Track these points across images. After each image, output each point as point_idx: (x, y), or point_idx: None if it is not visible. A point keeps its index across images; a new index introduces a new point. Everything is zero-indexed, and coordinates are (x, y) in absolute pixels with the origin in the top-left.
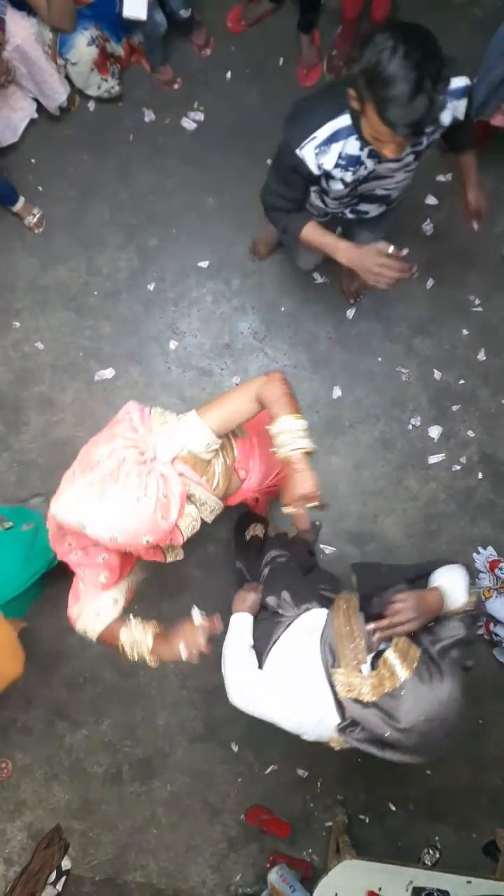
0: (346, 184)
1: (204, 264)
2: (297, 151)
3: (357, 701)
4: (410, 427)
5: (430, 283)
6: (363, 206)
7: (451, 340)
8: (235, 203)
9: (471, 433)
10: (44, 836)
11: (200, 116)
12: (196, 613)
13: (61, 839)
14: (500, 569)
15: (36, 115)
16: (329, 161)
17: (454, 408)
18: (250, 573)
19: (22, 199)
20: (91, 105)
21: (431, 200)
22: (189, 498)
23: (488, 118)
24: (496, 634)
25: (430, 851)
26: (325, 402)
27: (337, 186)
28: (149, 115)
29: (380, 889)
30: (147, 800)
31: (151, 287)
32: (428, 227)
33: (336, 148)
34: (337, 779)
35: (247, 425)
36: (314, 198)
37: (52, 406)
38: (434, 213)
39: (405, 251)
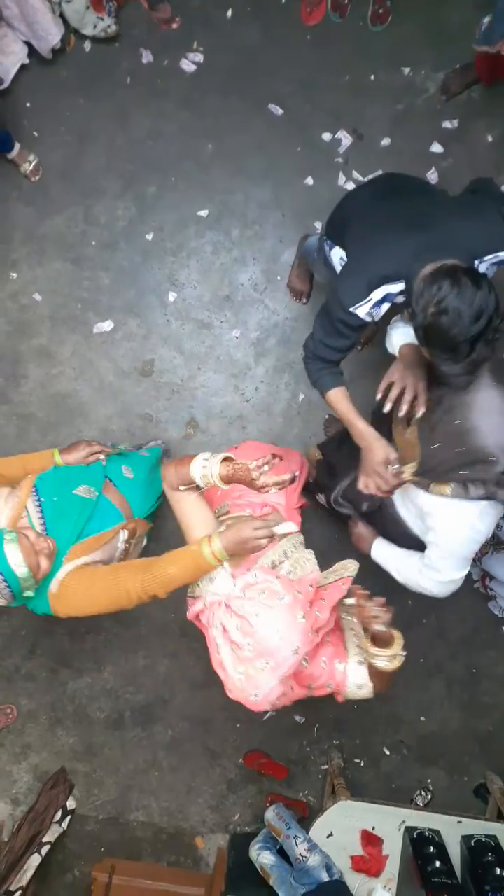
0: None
1: (203, 213)
2: (351, 309)
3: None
4: None
5: None
6: None
7: None
8: (235, 149)
9: None
10: (49, 777)
11: (200, 58)
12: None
13: (66, 780)
14: (499, 527)
15: (27, 61)
16: (380, 313)
17: None
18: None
19: (17, 146)
20: (87, 45)
21: (437, 148)
22: (274, 566)
23: (495, 47)
24: (491, 589)
25: (423, 793)
26: None
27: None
28: (146, 57)
29: (373, 828)
30: (148, 744)
31: (150, 237)
32: (433, 175)
33: (386, 306)
34: (333, 724)
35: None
36: None
37: (51, 359)
38: (439, 162)
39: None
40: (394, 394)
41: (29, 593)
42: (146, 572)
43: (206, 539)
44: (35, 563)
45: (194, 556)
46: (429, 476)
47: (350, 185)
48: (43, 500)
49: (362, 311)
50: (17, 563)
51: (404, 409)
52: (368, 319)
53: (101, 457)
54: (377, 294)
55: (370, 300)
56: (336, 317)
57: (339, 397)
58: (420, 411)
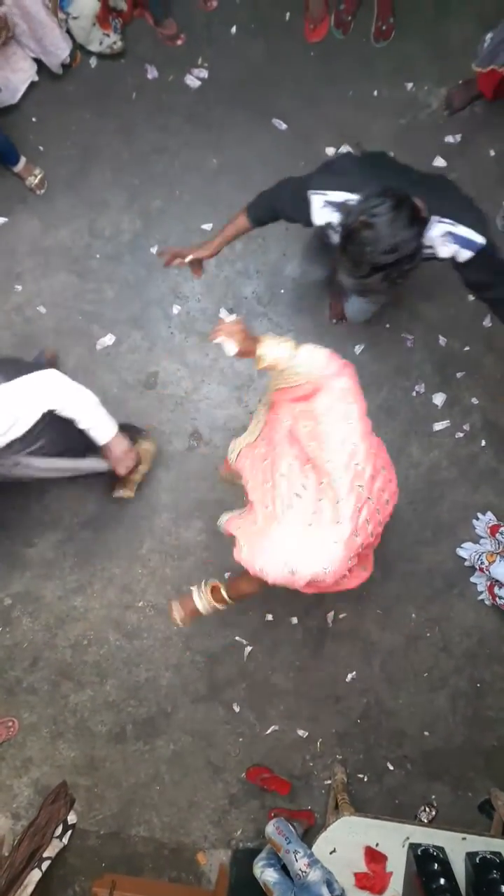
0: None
1: (207, 227)
2: (309, 192)
3: None
4: (414, 394)
5: None
6: None
7: (457, 306)
8: (239, 163)
9: (475, 400)
10: (50, 791)
11: (204, 73)
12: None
13: (67, 795)
14: (502, 533)
15: (36, 78)
16: (328, 218)
17: (459, 375)
18: None
19: (23, 160)
20: (93, 61)
21: (440, 162)
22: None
23: (485, 68)
24: (500, 598)
25: (427, 809)
26: None
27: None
28: (152, 72)
29: (377, 844)
30: (150, 758)
31: (154, 250)
32: None
33: (335, 216)
34: (336, 739)
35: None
36: None
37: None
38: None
39: None
40: None
41: None
42: None
43: None
44: None
45: None
46: None
47: None
48: None
49: (317, 201)
50: None
51: None
52: (313, 218)
53: None
54: (337, 195)
55: (327, 195)
56: (294, 187)
57: (238, 220)
58: None
